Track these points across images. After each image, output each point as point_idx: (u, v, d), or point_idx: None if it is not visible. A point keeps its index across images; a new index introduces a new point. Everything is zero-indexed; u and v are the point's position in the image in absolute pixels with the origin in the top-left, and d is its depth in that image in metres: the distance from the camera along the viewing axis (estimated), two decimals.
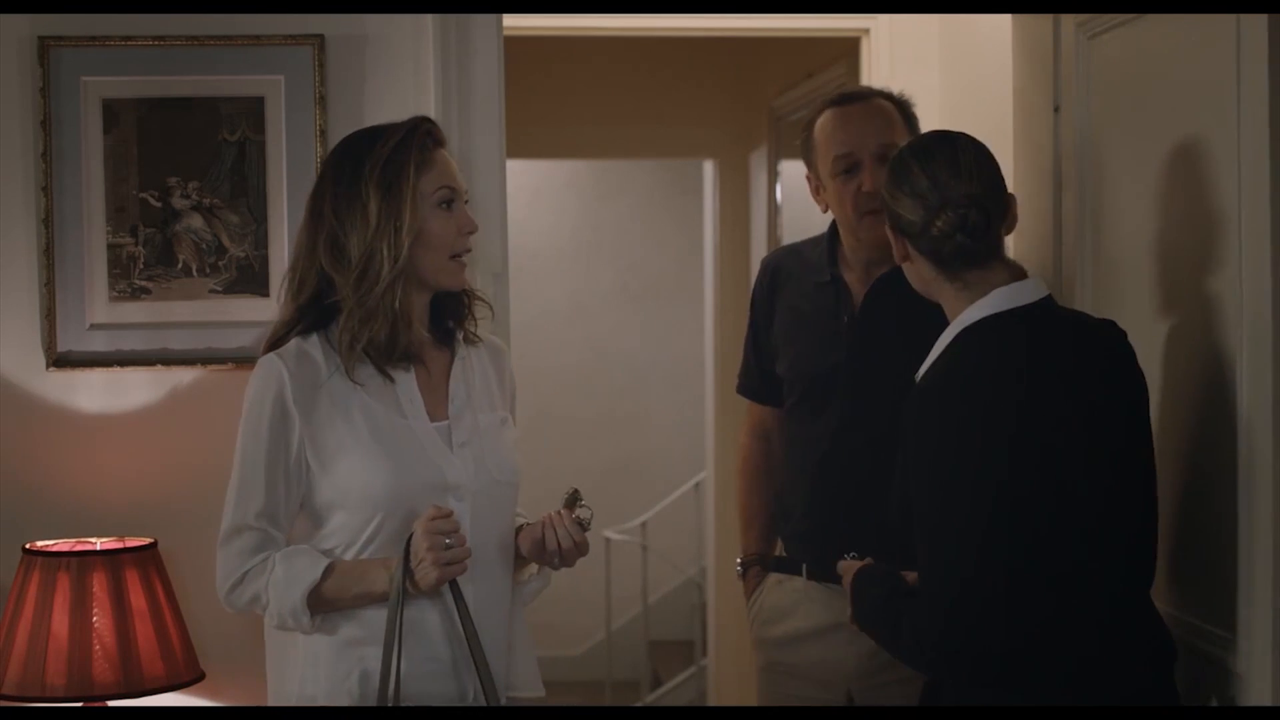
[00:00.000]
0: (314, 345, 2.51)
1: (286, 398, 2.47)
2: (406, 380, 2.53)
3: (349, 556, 2.47)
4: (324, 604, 2.45)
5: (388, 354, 2.51)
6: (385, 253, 2.46)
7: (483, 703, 2.47)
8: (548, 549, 2.53)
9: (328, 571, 2.44)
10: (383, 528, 2.46)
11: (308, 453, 2.48)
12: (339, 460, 2.46)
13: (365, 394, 2.49)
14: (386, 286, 2.47)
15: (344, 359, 2.49)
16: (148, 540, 3.00)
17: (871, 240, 3.01)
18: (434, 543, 2.39)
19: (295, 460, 2.48)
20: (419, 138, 2.51)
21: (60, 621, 2.86)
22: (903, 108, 3.13)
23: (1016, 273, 2.54)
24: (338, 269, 2.48)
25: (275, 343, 2.53)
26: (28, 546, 2.97)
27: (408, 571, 2.40)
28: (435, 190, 2.51)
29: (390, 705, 2.39)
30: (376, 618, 2.45)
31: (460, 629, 2.46)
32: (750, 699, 6.29)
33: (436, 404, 2.55)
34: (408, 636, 2.42)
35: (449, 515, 2.43)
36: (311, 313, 2.52)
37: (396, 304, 2.48)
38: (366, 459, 2.46)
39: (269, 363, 2.50)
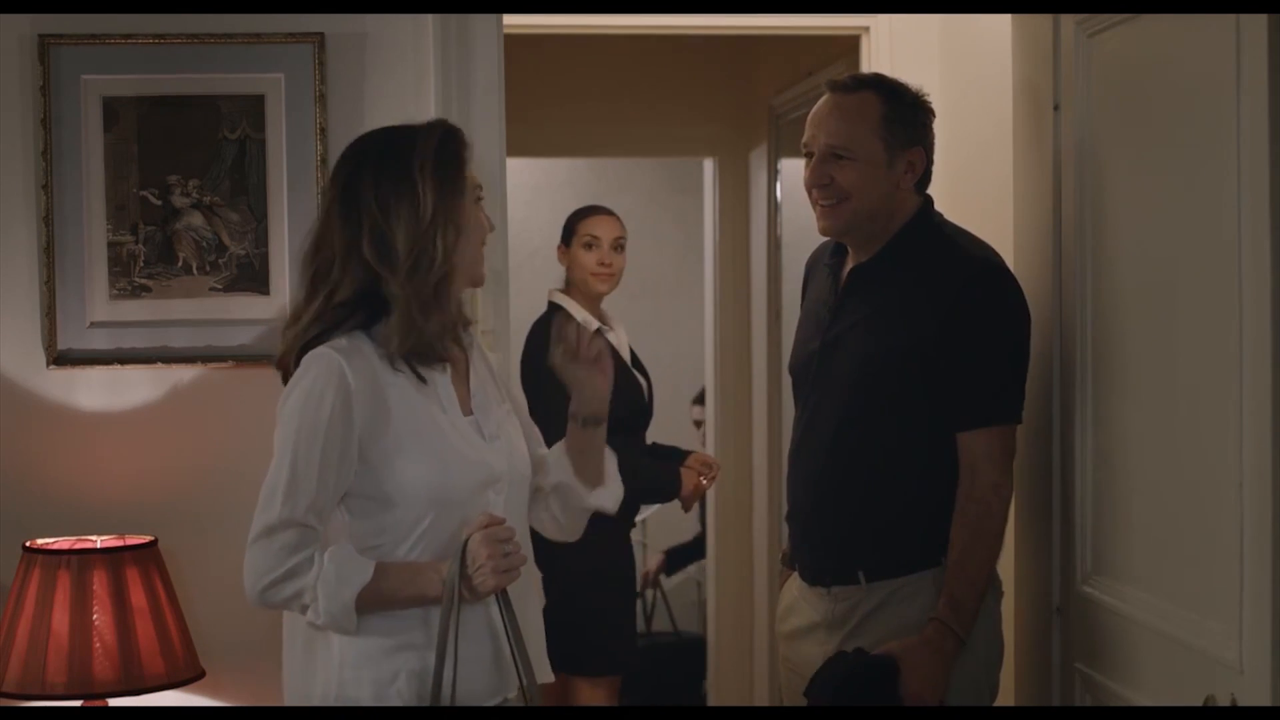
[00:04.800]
0: (364, 343, 2.47)
1: (350, 392, 2.42)
2: (443, 378, 2.53)
3: (399, 553, 2.46)
4: (372, 605, 2.42)
5: (435, 352, 2.49)
6: (438, 245, 2.45)
7: (518, 697, 2.51)
8: (566, 346, 2.61)
9: (377, 573, 2.42)
10: (433, 525, 2.46)
11: (363, 450, 2.44)
12: (395, 459, 2.44)
13: (413, 391, 2.48)
14: (440, 278, 2.46)
15: (395, 357, 2.47)
16: (148, 538, 3.01)
17: (821, 228, 3.13)
18: (494, 550, 2.40)
19: (350, 457, 2.44)
20: (459, 136, 2.52)
21: (60, 619, 2.86)
22: (891, 99, 3.09)
23: None
24: (385, 263, 2.44)
25: (311, 340, 2.47)
26: (28, 544, 2.97)
27: (463, 577, 2.41)
28: (473, 187, 2.53)
29: (446, 706, 2.40)
30: (421, 619, 2.45)
31: (499, 627, 2.48)
32: (749, 697, 6.31)
33: (462, 399, 2.56)
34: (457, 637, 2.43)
35: (503, 522, 2.45)
36: (357, 311, 2.47)
37: (450, 296, 2.49)
38: (423, 457, 2.45)
39: (327, 357, 2.43)
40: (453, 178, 2.48)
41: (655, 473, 4.49)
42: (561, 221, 4.63)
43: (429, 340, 2.48)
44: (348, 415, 2.42)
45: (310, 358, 2.45)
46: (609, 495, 2.71)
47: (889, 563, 3.04)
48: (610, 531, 4.29)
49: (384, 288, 2.46)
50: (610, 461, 2.72)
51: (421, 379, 2.49)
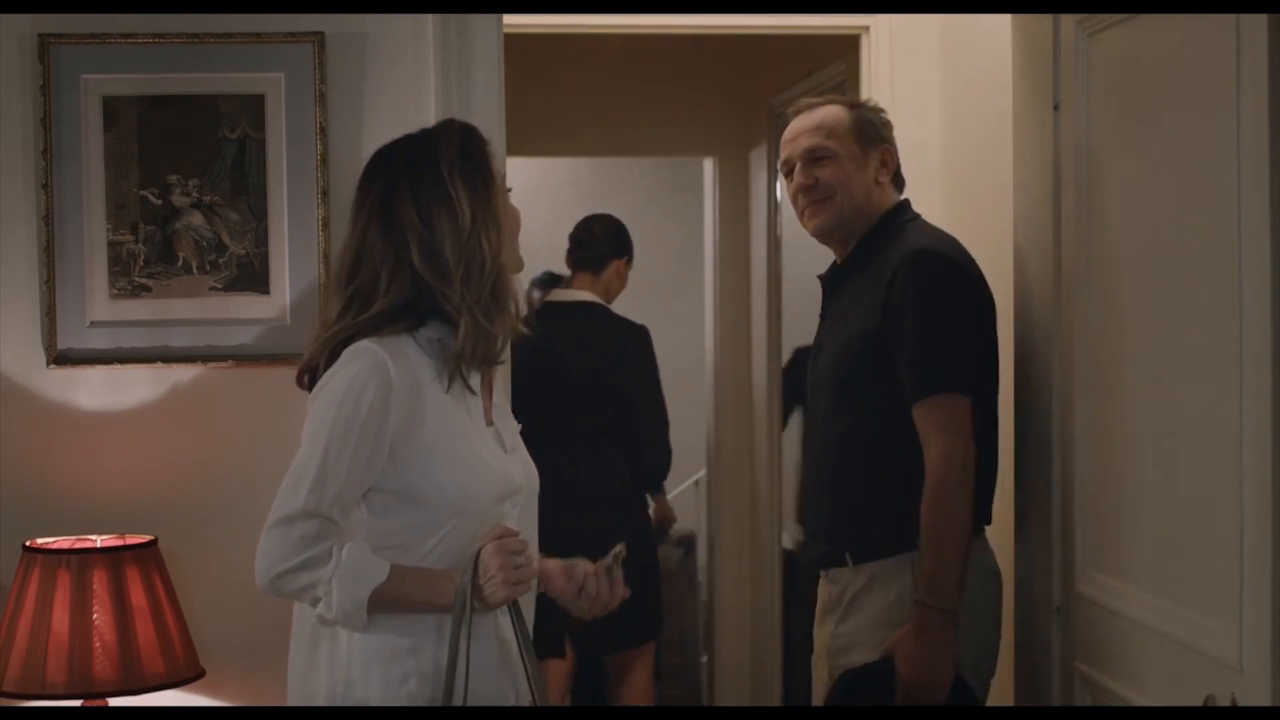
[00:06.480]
0: (408, 344, 2.47)
1: (391, 389, 2.41)
2: (476, 385, 2.53)
3: (416, 555, 2.46)
4: (383, 605, 2.42)
5: (496, 353, 2.49)
6: (484, 248, 2.45)
7: (524, 704, 2.52)
8: (586, 593, 2.59)
9: (393, 574, 2.42)
10: (452, 532, 2.46)
11: (394, 449, 2.43)
12: (427, 462, 2.44)
13: (447, 397, 2.47)
14: (495, 279, 2.46)
15: (454, 365, 2.46)
16: (148, 538, 3.00)
17: (812, 229, 3.33)
18: (506, 561, 2.41)
19: (381, 454, 2.43)
20: (477, 134, 2.53)
21: (60, 619, 2.86)
22: (854, 107, 3.32)
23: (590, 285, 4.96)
24: (439, 276, 2.44)
25: (344, 342, 2.46)
26: (28, 544, 2.97)
27: (475, 587, 2.41)
28: (500, 180, 2.54)
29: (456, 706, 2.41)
30: (434, 622, 2.45)
31: (509, 636, 2.50)
32: (749, 696, 6.30)
33: (485, 409, 2.57)
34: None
35: (516, 534, 2.45)
36: (401, 318, 2.47)
37: (508, 294, 2.49)
38: (453, 464, 2.45)
39: (372, 351, 2.42)
40: (482, 176, 2.49)
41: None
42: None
43: (494, 341, 2.48)
44: (385, 412, 2.41)
45: (353, 351, 2.44)
46: None
47: (873, 545, 3.16)
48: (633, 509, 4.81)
49: (442, 301, 2.45)
50: None
51: (473, 391, 2.50)
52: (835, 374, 3.23)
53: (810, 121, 3.30)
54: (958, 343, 3.11)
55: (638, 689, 4.94)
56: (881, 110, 3.37)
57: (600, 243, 4.98)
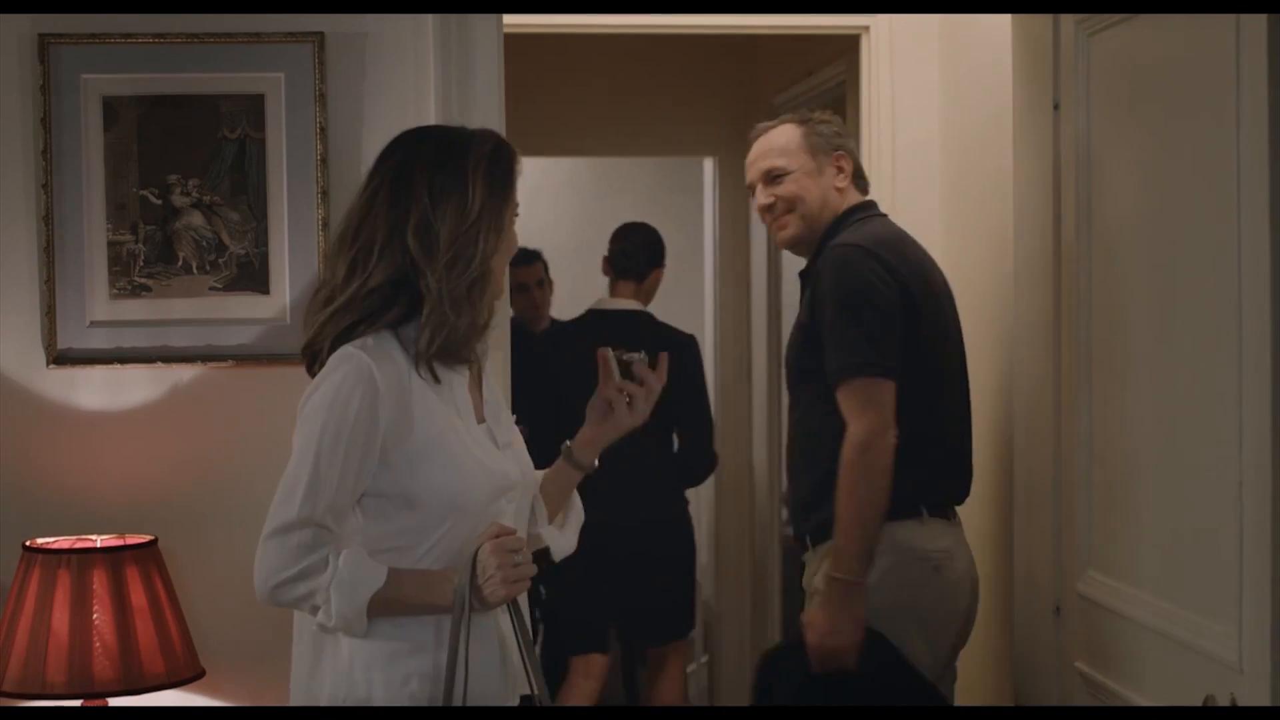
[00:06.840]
0: (390, 343, 2.46)
1: (377, 394, 2.40)
2: (459, 382, 2.53)
3: (414, 557, 2.45)
4: (383, 610, 2.42)
5: (461, 352, 2.48)
6: (479, 245, 2.46)
7: (519, 702, 2.52)
8: (630, 391, 2.65)
9: (391, 578, 2.42)
10: (449, 532, 2.46)
11: (385, 453, 2.43)
12: (418, 464, 2.43)
13: (434, 397, 2.47)
14: (476, 278, 2.46)
15: (422, 355, 2.45)
16: (148, 538, 3.00)
17: (780, 242, 3.56)
18: (504, 560, 2.41)
19: (372, 459, 2.42)
20: (512, 150, 2.54)
21: (60, 619, 2.86)
22: (805, 122, 3.49)
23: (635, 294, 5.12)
24: (425, 253, 2.44)
25: (343, 331, 2.46)
26: (28, 544, 2.97)
27: (474, 587, 2.41)
28: (516, 205, 2.54)
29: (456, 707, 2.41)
30: (433, 623, 2.45)
31: (509, 635, 2.50)
32: (749, 695, 6.29)
33: (475, 406, 2.56)
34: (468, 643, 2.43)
35: (514, 533, 2.45)
36: (390, 308, 2.47)
37: (484, 299, 2.49)
38: (445, 464, 2.44)
39: (356, 357, 2.42)
40: (502, 184, 2.50)
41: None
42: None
43: (458, 340, 2.47)
44: (373, 416, 2.41)
45: (338, 357, 2.44)
46: (557, 539, 2.68)
47: (823, 527, 3.29)
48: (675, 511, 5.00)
49: (419, 280, 2.45)
50: (575, 513, 2.73)
51: (437, 379, 2.48)
52: (786, 367, 3.47)
53: (765, 144, 3.51)
54: (873, 329, 3.24)
55: (675, 683, 5.15)
56: (830, 120, 3.53)
57: (643, 254, 5.21)
